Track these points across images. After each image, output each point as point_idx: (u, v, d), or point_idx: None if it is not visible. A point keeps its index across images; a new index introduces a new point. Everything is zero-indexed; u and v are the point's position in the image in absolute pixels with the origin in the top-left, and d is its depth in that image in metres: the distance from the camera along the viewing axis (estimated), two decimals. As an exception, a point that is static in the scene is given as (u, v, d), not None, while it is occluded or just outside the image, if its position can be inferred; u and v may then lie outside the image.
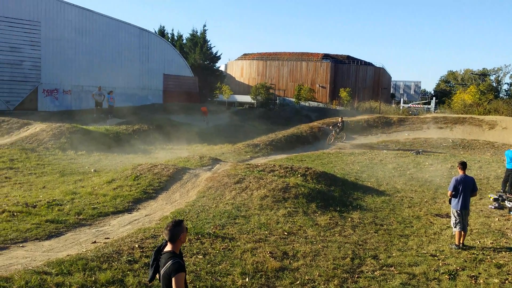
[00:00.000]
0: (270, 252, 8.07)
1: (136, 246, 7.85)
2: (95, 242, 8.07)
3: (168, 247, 4.10)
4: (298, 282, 6.98)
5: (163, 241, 4.26)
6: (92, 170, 14.74)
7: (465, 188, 8.97)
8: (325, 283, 7.02)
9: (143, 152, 19.74)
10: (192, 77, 38.82)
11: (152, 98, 34.80)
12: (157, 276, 4.18)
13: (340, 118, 25.34)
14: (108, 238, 8.35)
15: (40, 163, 15.50)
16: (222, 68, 52.62)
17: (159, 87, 36.06)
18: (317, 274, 7.33)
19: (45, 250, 7.68)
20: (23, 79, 28.02)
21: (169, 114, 30.63)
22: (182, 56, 39.51)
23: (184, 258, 7.41)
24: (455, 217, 9.02)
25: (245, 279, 6.94)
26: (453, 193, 9.04)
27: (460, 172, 9.16)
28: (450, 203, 9.27)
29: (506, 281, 7.27)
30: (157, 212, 10.44)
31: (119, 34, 32.74)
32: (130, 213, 10.34)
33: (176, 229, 4.05)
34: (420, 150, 21.43)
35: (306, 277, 7.19)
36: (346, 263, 7.85)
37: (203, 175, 13.36)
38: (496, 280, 7.27)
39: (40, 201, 10.53)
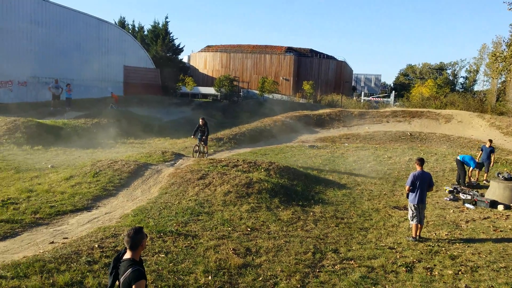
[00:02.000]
0: (233, 248, 8.09)
1: (96, 246, 7.66)
2: (52, 242, 7.82)
3: (128, 255, 4.04)
4: (260, 279, 7.04)
5: (123, 248, 4.19)
6: (49, 166, 14.23)
7: (422, 184, 9.31)
8: (287, 278, 7.11)
9: (103, 147, 19.22)
10: (154, 69, 38.10)
11: (112, 90, 33.90)
12: (117, 283, 4.12)
13: (201, 121, 17.02)
14: (67, 238, 8.11)
15: (-8, 159, 14.81)
16: (185, 60, 51.91)
17: (119, 79, 35.20)
18: (279, 269, 7.41)
19: (0, 252, 7.36)
20: (-26, 69, 26.60)
21: (130, 106, 29.94)
22: (144, 48, 38.65)
23: (145, 257, 7.34)
24: (412, 211, 9.34)
25: (207, 277, 6.93)
26: (411, 188, 9.36)
27: (418, 168, 9.48)
28: (407, 197, 9.59)
29: (459, 272, 7.61)
30: (117, 210, 10.22)
31: (77, 24, 31.62)
32: (90, 211, 10.07)
33: (138, 236, 4.00)
34: (315, 146, 21.39)
35: (269, 273, 7.26)
36: (307, 258, 7.98)
37: (165, 171, 13.18)
38: (450, 272, 7.60)
39: (-7, 199, 10.08)
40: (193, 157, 16.18)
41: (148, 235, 8.33)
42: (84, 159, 15.66)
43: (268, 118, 28.25)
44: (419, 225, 9.32)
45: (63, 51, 30.42)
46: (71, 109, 25.74)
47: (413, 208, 9.35)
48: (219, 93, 41.83)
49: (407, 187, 9.46)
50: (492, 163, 15.10)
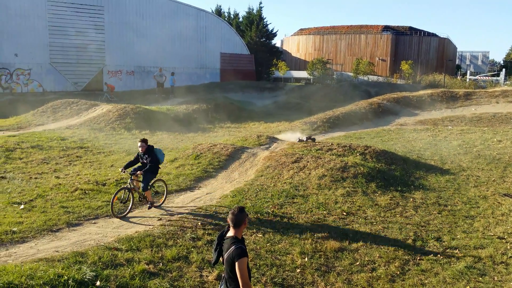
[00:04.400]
0: (329, 232, 8.09)
1: (199, 224, 8.17)
2: (160, 219, 8.49)
3: (231, 232, 4.26)
4: (357, 263, 6.97)
5: (226, 226, 4.43)
6: (155, 149, 15.36)
7: None
8: (386, 264, 6.95)
9: (203, 131, 20.24)
10: (248, 55, 38.88)
11: (210, 77, 35.41)
12: (221, 259, 4.38)
13: (141, 147, 9.17)
14: (173, 215, 8.75)
15: (107, 142, 16.39)
16: (278, 45, 52.11)
17: (216, 66, 36.54)
18: (377, 255, 7.26)
19: (115, 226, 8.20)
20: (89, 61, 29.51)
21: (226, 92, 31.04)
22: (239, 35, 39.60)
23: (244, 236, 7.64)
24: None
25: (304, 258, 7.04)
26: None
27: None
28: None
29: None
30: (217, 191, 10.75)
31: (177, 15, 33.38)
32: (192, 191, 10.74)
33: (241, 215, 4.21)
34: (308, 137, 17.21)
35: (366, 258, 7.16)
36: (407, 245, 7.70)
37: (261, 154, 13.51)
38: None
39: (109, 179, 11.18)
40: (112, 213, 8.61)
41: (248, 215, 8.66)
42: (186, 143, 16.63)
43: (363, 100, 27.39)
44: None
45: (165, 41, 32.38)
46: (174, 96, 27.44)
47: None
48: (312, 77, 41.43)
49: None
50: None
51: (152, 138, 17.80)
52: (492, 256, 7.29)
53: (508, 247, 7.65)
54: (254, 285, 6.13)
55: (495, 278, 6.61)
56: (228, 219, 4.26)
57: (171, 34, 32.85)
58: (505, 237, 8.15)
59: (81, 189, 10.16)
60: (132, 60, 31.08)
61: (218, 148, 13.85)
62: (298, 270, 6.66)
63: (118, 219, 8.54)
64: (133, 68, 31.32)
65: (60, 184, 10.65)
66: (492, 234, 8.33)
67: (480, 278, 6.58)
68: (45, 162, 13.06)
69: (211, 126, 21.53)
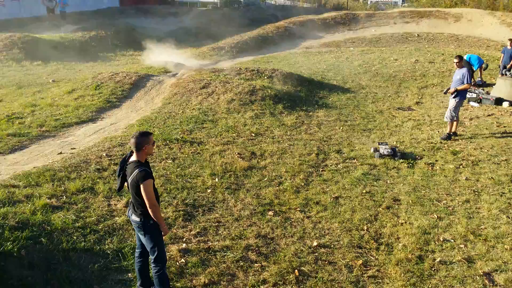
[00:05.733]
0: (238, 153, 8.25)
1: (104, 154, 7.85)
2: (61, 153, 8.00)
3: (134, 157, 4.12)
4: (266, 179, 7.27)
5: (129, 151, 4.26)
6: (50, 81, 14.09)
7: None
8: (291, 178, 7.33)
9: (103, 60, 18.89)
10: (149, -23, 36.01)
11: (108, 1, 32.40)
12: (126, 185, 4.25)
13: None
14: (74, 148, 8.27)
15: (-7, 76, 14.67)
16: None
17: (115, -12, 33.44)
18: (284, 170, 7.62)
19: (10, 163, 7.58)
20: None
21: (127, 18, 28.81)
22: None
23: (153, 164, 7.52)
24: (457, 111, 9.24)
25: (214, 179, 7.15)
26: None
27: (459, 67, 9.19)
28: (456, 96, 9.15)
29: (461, 166, 7.78)
30: (122, 121, 10.30)
31: None
32: (95, 123, 10.16)
33: (142, 138, 4.05)
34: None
35: (274, 174, 7.48)
36: (311, 159, 8.15)
37: (167, 81, 13.05)
38: (451, 166, 7.78)
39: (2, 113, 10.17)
40: None
41: (154, 142, 8.47)
42: (85, 73, 15.46)
43: (270, 24, 27.20)
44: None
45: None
46: (67, 22, 24.87)
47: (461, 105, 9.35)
48: (218, 1, 39.96)
49: (468, 85, 9.06)
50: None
51: (46, 69, 16.28)
52: (385, 163, 8.00)
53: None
54: (165, 208, 6.14)
55: (388, 181, 7.32)
56: (130, 143, 4.09)
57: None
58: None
59: (-35, 128, 9.12)
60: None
61: (120, 76, 13.08)
62: (209, 191, 6.78)
63: (12, 156, 7.88)
64: (17, -8, 27.50)
65: None
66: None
67: (375, 183, 7.24)
68: None
69: (112, 54, 20.12)
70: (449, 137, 9.18)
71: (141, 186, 3.96)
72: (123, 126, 9.72)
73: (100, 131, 9.49)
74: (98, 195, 6.43)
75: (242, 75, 13.72)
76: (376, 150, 8.38)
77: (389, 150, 8.27)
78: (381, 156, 8.19)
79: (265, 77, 13.51)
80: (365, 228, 5.84)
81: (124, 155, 4.29)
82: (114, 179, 6.82)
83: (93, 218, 5.78)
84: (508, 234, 5.56)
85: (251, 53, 21.61)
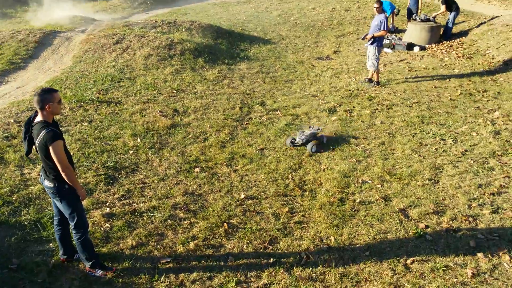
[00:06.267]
0: (160, 111, 7.98)
1: (12, 121, 7.22)
2: (-41, 122, 7.20)
3: (40, 117, 3.74)
4: (190, 136, 7.14)
5: (34, 111, 3.87)
6: None
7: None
8: (216, 133, 7.27)
9: (2, 17, 16.99)
10: None
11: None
12: (34, 148, 3.89)
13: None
14: (-25, 116, 7.49)
15: None
16: None
17: None
18: (208, 126, 7.52)
19: None
20: None
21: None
22: None
23: (68, 127, 7.06)
24: (379, 57, 9.42)
25: (136, 139, 6.89)
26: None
27: (378, 12, 9.25)
28: (373, 42, 9.24)
29: (376, 111, 8.18)
30: (30, 83, 9.44)
31: None
32: (-2, 87, 9.24)
33: (45, 95, 3.65)
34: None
35: (198, 130, 7.36)
36: (235, 113, 8.11)
37: (76, 37, 12.09)
38: (368, 111, 8.15)
39: None
40: None
41: (67, 105, 7.91)
42: (-21, 32, 13.82)
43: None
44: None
45: None
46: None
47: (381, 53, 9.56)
48: None
49: (384, 32, 9.10)
50: (420, 9, 15.07)
51: None
52: (307, 113, 8.19)
53: (320, 103, 8.65)
54: (84, 173, 5.83)
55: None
56: (34, 102, 3.70)
57: None
58: (318, 94, 9.17)
59: None
60: None
61: (23, 34, 11.88)
62: (131, 152, 6.52)
63: None
64: None
65: None
66: (307, 93, 9.27)
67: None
68: None
69: (12, 10, 18.16)
70: (378, 83, 9.52)
71: (50, 148, 3.63)
72: (31, 89, 8.92)
73: (6, 96, 8.65)
74: (9, 164, 5.94)
75: (158, 28, 13.09)
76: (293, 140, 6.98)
77: (302, 138, 6.79)
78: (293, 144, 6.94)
79: (183, 30, 13.01)
80: (290, 176, 6.00)
81: (30, 116, 3.89)
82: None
83: (5, 189, 5.36)
84: (420, 172, 6.02)
85: (167, 4, 20.63)
